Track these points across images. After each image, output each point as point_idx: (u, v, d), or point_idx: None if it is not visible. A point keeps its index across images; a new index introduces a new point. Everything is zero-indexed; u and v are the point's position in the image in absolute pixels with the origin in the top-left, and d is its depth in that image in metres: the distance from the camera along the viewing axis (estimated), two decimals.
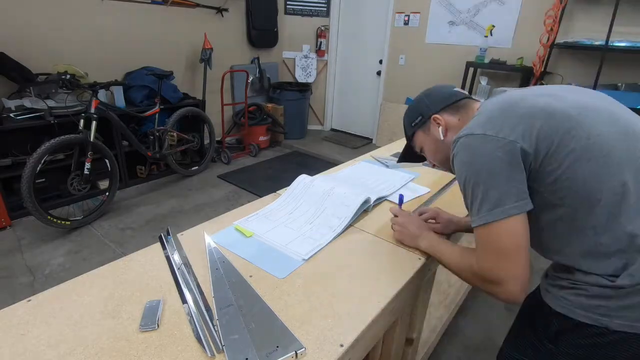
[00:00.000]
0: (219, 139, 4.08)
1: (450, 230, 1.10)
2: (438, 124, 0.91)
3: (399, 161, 1.13)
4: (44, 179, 2.71)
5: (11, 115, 2.52)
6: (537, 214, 0.72)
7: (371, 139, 4.83)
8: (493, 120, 0.72)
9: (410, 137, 1.01)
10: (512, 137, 0.68)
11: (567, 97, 0.73)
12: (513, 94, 0.77)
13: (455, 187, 1.42)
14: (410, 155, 1.07)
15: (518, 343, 0.87)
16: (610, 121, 0.69)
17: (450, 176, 1.52)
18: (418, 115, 0.95)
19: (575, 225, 0.69)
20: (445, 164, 0.94)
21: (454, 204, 1.29)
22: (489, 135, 0.70)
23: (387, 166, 1.60)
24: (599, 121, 0.68)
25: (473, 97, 0.94)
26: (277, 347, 0.65)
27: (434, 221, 1.11)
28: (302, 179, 1.28)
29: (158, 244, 0.97)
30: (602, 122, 0.69)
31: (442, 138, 0.90)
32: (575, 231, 0.69)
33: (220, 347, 0.65)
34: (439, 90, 0.95)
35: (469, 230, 1.11)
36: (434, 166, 1.01)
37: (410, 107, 0.99)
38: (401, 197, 1.13)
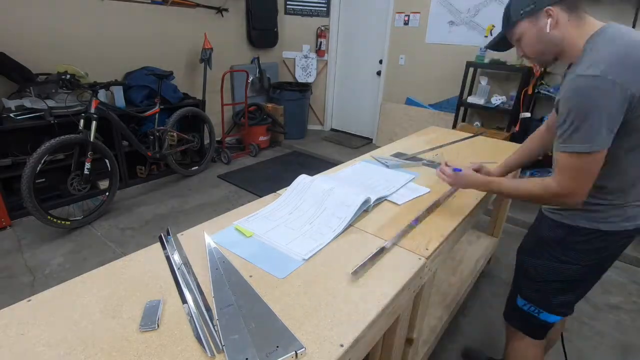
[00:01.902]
0: (219, 139, 4.08)
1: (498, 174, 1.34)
2: (549, 16, 0.93)
3: (487, 47, 1.16)
4: (44, 179, 2.71)
5: (11, 115, 2.52)
6: (619, 140, 0.87)
7: (371, 139, 4.83)
8: (617, 64, 0.82)
9: (513, 23, 1.00)
10: (633, 89, 0.81)
11: None
12: (632, 36, 0.87)
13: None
14: (502, 44, 1.09)
15: (535, 251, 1.13)
16: None
17: None
18: (531, 3, 0.95)
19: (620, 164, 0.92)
20: (540, 56, 1.01)
21: (453, 204, 1.29)
22: (610, 80, 0.80)
23: (387, 166, 1.60)
24: None
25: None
26: (277, 347, 0.65)
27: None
28: (302, 179, 1.28)
29: (158, 244, 0.97)
30: None
31: (548, 31, 0.94)
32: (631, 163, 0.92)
33: (220, 347, 0.65)
34: None
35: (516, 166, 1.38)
36: (522, 56, 1.05)
37: None
38: (459, 169, 1.23)
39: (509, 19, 1.01)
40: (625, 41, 0.86)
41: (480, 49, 3.42)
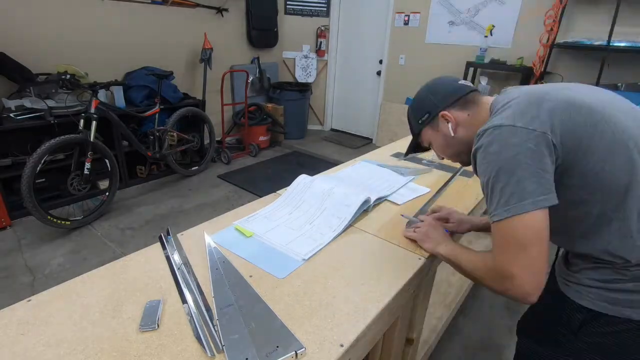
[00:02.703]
0: (219, 139, 4.08)
1: (464, 230, 1.12)
2: (447, 120, 0.89)
3: (406, 154, 1.12)
4: (44, 179, 2.71)
5: (11, 115, 2.52)
6: (564, 207, 0.70)
7: (371, 139, 4.83)
8: (521, 113, 0.70)
9: (417, 134, 0.98)
10: (542, 129, 0.66)
11: (587, 92, 0.74)
12: (535, 89, 0.76)
13: (456, 185, 1.42)
14: (418, 148, 1.06)
15: (540, 337, 0.88)
16: (631, 116, 0.71)
17: (449, 175, 1.52)
18: (425, 113, 0.93)
19: (605, 218, 0.69)
20: (456, 158, 0.95)
21: (453, 204, 1.29)
22: (519, 127, 0.67)
23: (403, 174, 1.52)
24: (621, 116, 0.69)
25: (478, 90, 0.93)
26: (277, 347, 0.65)
27: (446, 221, 1.12)
28: (302, 179, 1.28)
29: (158, 244, 0.97)
30: (624, 116, 0.70)
31: (452, 134, 0.88)
32: (604, 224, 0.70)
33: (220, 347, 0.65)
34: (443, 85, 0.93)
35: (482, 229, 1.13)
36: (442, 159, 1.00)
37: (415, 104, 0.96)
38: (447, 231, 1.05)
39: (413, 130, 1.00)
40: (523, 89, 0.78)
41: (480, 48, 3.42)
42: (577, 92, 0.73)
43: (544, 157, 0.66)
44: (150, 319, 0.71)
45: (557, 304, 0.81)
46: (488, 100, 0.87)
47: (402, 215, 1.18)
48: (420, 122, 0.95)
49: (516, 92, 0.77)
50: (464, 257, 0.85)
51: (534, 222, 0.66)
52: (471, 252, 0.85)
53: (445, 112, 0.89)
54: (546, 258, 0.67)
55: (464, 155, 0.91)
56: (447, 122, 0.89)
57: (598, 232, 0.71)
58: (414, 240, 1.03)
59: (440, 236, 0.98)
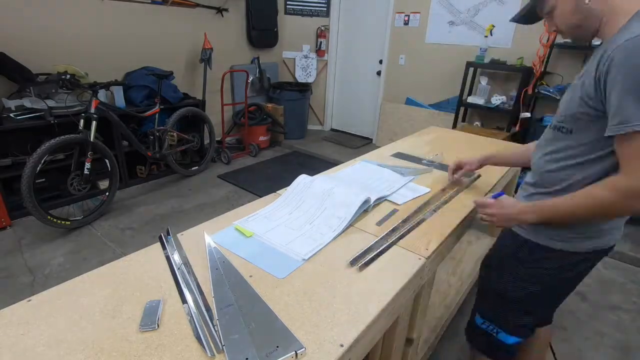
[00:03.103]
0: (219, 139, 4.08)
1: (492, 162, 1.32)
2: None
3: (512, 19, 1.03)
4: (44, 179, 2.71)
5: (11, 115, 2.52)
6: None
7: (371, 139, 4.83)
8: None
9: None
10: None
11: None
12: None
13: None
14: (529, 16, 0.98)
15: (497, 267, 1.09)
16: None
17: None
18: None
19: None
20: (572, 30, 0.87)
21: (453, 204, 1.29)
22: None
23: (403, 174, 1.51)
24: None
25: None
26: (277, 347, 0.65)
27: (461, 171, 1.34)
28: (302, 179, 1.28)
29: (158, 244, 0.97)
30: None
31: (587, 1, 0.80)
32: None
33: (220, 347, 0.65)
34: None
35: (503, 163, 1.33)
36: (554, 30, 0.92)
37: None
38: (501, 193, 1.06)
39: None
40: None
41: (480, 48, 3.41)
42: None
43: None
44: (150, 319, 0.71)
45: (506, 237, 1.05)
46: None
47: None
48: None
49: None
50: (565, 204, 0.85)
51: None
52: (570, 196, 0.84)
53: None
54: None
55: (584, 29, 0.85)
56: None
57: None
58: (414, 240, 1.03)
59: (512, 208, 0.96)
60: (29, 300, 0.75)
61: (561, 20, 0.87)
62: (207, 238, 0.99)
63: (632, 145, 0.71)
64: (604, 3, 0.80)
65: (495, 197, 1.03)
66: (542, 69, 3.18)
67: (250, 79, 4.13)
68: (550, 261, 0.95)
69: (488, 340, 1.13)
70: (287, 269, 0.89)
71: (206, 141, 3.78)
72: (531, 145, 1.20)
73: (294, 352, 0.64)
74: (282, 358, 0.63)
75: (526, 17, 0.98)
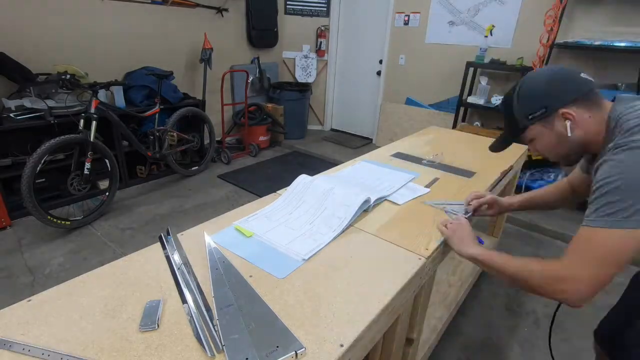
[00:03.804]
0: (219, 139, 4.08)
1: (496, 213, 1.26)
2: (567, 119, 0.82)
3: (495, 150, 1.05)
4: (44, 179, 2.71)
5: (11, 115, 2.52)
6: None
7: (371, 139, 4.83)
8: None
9: (521, 129, 0.90)
10: None
11: None
12: None
13: (456, 184, 1.42)
14: (507, 143, 0.99)
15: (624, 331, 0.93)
16: None
17: (449, 175, 1.51)
18: (540, 108, 0.84)
19: None
20: (562, 159, 0.90)
21: (454, 199, 1.29)
22: None
23: (402, 174, 1.51)
24: None
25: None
26: (277, 347, 0.65)
27: (486, 206, 1.22)
28: (302, 179, 1.28)
29: (158, 244, 0.97)
30: None
31: (569, 134, 0.82)
32: None
33: (220, 347, 0.65)
34: (567, 76, 0.84)
35: (509, 209, 1.26)
36: (537, 154, 0.94)
37: (525, 95, 0.87)
38: (480, 240, 1.07)
39: (516, 124, 0.90)
40: None
41: (480, 48, 3.41)
42: None
43: None
44: (150, 319, 0.71)
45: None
46: (607, 105, 0.83)
47: (426, 203, 1.25)
48: (530, 117, 0.86)
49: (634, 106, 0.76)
50: (501, 259, 0.85)
51: (630, 241, 0.67)
52: (510, 256, 0.85)
53: (567, 110, 0.81)
54: (611, 279, 0.69)
55: (573, 156, 0.89)
56: (566, 121, 0.82)
57: None
58: (414, 240, 1.03)
59: (468, 237, 0.97)
60: (29, 300, 0.75)
61: (546, 151, 0.90)
62: (207, 238, 0.99)
63: (581, 236, 0.72)
64: (586, 132, 0.82)
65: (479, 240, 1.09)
66: None
67: (250, 79, 4.13)
68: None
69: None
70: (287, 269, 0.89)
71: (206, 141, 3.78)
72: (560, 184, 1.18)
73: (294, 352, 0.64)
74: (282, 358, 0.63)
75: (505, 147, 1.02)
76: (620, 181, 0.68)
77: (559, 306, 1.02)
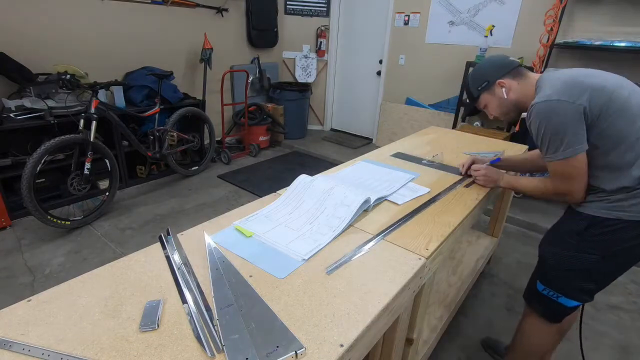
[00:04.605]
0: (219, 139, 4.08)
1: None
2: (502, 86, 1.21)
3: (465, 116, 1.37)
4: (44, 179, 2.71)
5: (11, 115, 2.52)
6: (589, 151, 1.04)
7: (371, 139, 4.83)
8: (565, 90, 1.03)
9: (475, 98, 1.29)
10: (579, 102, 1.01)
11: (603, 76, 1.07)
12: (572, 73, 1.09)
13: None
14: (474, 111, 1.38)
15: (554, 241, 1.22)
16: (633, 92, 1.06)
17: (449, 175, 1.52)
18: (484, 81, 1.24)
19: (608, 158, 1.04)
20: (505, 116, 1.28)
21: (453, 204, 1.29)
22: (564, 100, 1.01)
23: (402, 174, 1.57)
24: (625, 94, 1.03)
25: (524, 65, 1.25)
26: (277, 347, 0.65)
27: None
28: (302, 178, 1.28)
29: (158, 244, 0.97)
30: (628, 93, 1.04)
31: (505, 97, 1.22)
32: (607, 161, 1.05)
33: (220, 347, 0.65)
34: (498, 59, 1.25)
35: (511, 168, 1.57)
36: (493, 118, 1.33)
37: (476, 75, 1.27)
38: (497, 160, 1.50)
39: (472, 95, 1.30)
40: (561, 74, 1.09)
41: (480, 48, 3.41)
42: (598, 77, 1.06)
43: (581, 120, 1.01)
44: (150, 319, 0.71)
45: (569, 217, 1.19)
46: (534, 75, 1.20)
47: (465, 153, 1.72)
48: (479, 88, 1.26)
49: (556, 74, 1.11)
50: (523, 182, 1.29)
51: (578, 162, 1.04)
52: (528, 178, 1.27)
53: (502, 80, 1.21)
54: (586, 181, 1.08)
55: (512, 113, 1.26)
56: (502, 88, 1.21)
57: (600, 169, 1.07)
58: (414, 240, 1.03)
59: (497, 174, 1.39)
60: (29, 300, 0.75)
61: (494, 112, 1.29)
62: (207, 238, 0.99)
63: (557, 168, 1.09)
64: (518, 94, 1.20)
65: (493, 162, 1.48)
66: (542, 69, 3.18)
67: (250, 79, 4.13)
68: (610, 233, 1.08)
69: (547, 304, 1.25)
70: (287, 269, 0.89)
71: (206, 141, 3.78)
72: (534, 154, 1.46)
73: (294, 352, 0.64)
74: (282, 358, 0.63)
75: (472, 112, 1.40)
76: (544, 129, 1.05)
77: (582, 312, 1.34)
